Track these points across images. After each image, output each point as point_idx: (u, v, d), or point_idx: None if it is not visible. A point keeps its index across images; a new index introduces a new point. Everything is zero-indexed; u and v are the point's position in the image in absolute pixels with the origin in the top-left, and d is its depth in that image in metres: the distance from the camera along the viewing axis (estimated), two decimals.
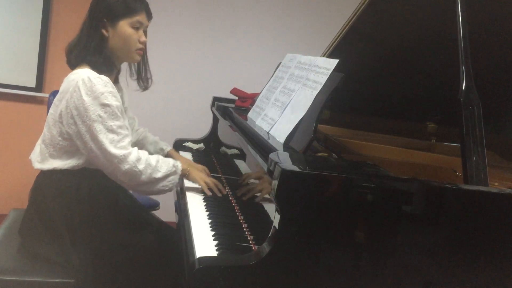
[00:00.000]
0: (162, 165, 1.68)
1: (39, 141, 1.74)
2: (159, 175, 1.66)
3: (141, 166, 1.62)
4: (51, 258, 1.65)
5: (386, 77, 2.10)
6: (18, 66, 3.15)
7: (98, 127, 1.57)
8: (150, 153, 1.74)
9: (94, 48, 1.68)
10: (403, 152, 1.91)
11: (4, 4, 3.07)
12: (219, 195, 1.76)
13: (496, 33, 1.85)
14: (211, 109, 2.57)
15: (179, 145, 2.46)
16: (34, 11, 3.11)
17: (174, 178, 1.71)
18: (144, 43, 1.76)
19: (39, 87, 3.19)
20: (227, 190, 1.84)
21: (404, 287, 1.21)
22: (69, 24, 1.74)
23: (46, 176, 1.70)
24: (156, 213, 2.28)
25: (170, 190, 1.72)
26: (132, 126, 1.94)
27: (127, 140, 1.63)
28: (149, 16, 1.75)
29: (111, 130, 1.59)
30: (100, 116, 1.57)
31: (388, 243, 1.19)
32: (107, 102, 1.58)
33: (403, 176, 1.24)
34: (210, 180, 1.79)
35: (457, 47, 1.41)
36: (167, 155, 2.09)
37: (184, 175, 1.78)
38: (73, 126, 1.61)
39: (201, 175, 1.81)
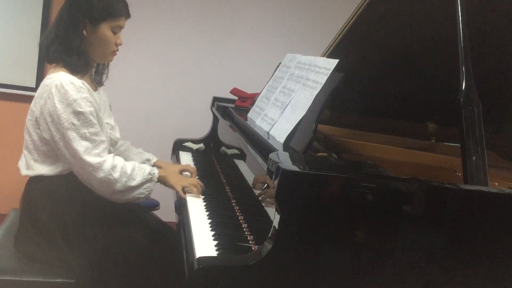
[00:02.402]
0: (137, 173, 1.66)
1: (23, 148, 1.71)
2: (134, 183, 1.64)
3: (116, 174, 1.60)
4: (49, 262, 1.64)
5: (386, 77, 2.10)
6: (18, 66, 3.15)
7: (72, 135, 1.56)
8: None
9: (73, 49, 1.65)
10: (403, 152, 1.91)
11: (4, 4, 3.07)
12: (198, 194, 1.73)
13: (496, 33, 1.85)
14: (211, 109, 2.57)
15: (179, 145, 2.46)
16: (34, 11, 3.11)
17: (150, 186, 1.69)
18: (119, 46, 1.73)
19: (39, 87, 3.19)
20: (227, 190, 1.84)
21: (404, 287, 1.21)
22: None
23: (35, 182, 1.68)
24: (156, 213, 2.28)
25: (146, 197, 1.70)
26: (114, 136, 1.83)
27: (102, 147, 1.61)
28: (127, 18, 1.73)
29: (85, 138, 1.57)
30: (73, 124, 1.56)
31: (388, 243, 1.19)
32: (81, 110, 1.56)
33: (403, 176, 1.24)
34: (187, 183, 1.75)
35: (457, 47, 1.41)
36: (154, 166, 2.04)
37: (161, 181, 1.75)
38: (48, 131, 1.59)
39: (176, 181, 1.76)
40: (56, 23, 1.70)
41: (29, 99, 3.18)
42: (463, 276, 1.23)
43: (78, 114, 1.56)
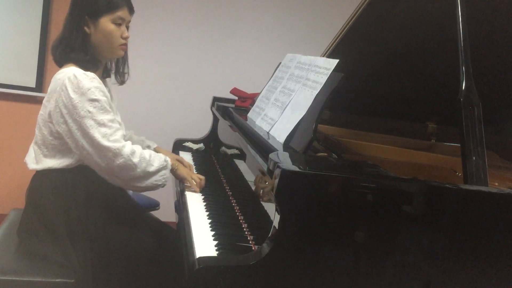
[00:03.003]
0: (155, 159, 1.67)
1: (32, 143, 1.74)
2: (152, 168, 1.65)
3: (135, 160, 1.60)
4: (50, 258, 1.64)
5: (386, 77, 2.10)
6: (18, 66, 3.15)
7: (89, 123, 1.56)
8: None
9: (78, 46, 1.67)
10: (403, 152, 1.91)
11: (4, 4, 3.07)
12: (198, 191, 1.78)
13: (496, 33, 1.85)
14: (211, 109, 2.57)
15: (179, 145, 2.46)
16: (34, 11, 3.11)
17: (166, 173, 1.70)
18: (127, 39, 1.74)
19: (39, 87, 3.19)
20: (227, 190, 1.84)
21: (404, 287, 1.21)
22: None
23: (41, 175, 1.69)
24: (156, 213, 2.28)
25: (162, 185, 1.71)
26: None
27: (120, 134, 1.62)
28: (131, 10, 1.73)
29: (102, 124, 1.57)
30: (90, 112, 1.56)
31: (388, 243, 1.19)
32: (95, 97, 1.57)
33: (403, 176, 1.24)
34: (196, 177, 1.81)
35: (457, 47, 1.41)
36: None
37: (173, 170, 1.77)
38: (63, 125, 1.60)
39: (188, 172, 1.83)
40: (63, 26, 1.73)
41: (29, 99, 3.20)
42: (463, 276, 1.23)
43: (93, 101, 1.57)
